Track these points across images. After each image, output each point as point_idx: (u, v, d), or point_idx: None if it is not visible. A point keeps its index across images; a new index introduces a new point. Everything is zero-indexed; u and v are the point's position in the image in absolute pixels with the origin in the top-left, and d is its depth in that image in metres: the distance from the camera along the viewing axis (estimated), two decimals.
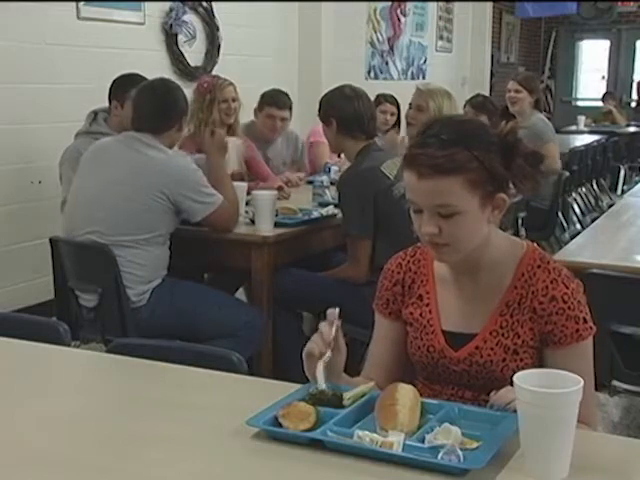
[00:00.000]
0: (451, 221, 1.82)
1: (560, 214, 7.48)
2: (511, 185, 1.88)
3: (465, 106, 6.21)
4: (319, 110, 3.88)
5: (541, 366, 1.87)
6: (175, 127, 3.62)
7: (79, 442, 1.67)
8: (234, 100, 4.82)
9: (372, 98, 6.33)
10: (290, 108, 5.33)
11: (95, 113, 4.34)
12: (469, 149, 1.80)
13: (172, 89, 3.71)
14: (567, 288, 1.88)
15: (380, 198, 3.57)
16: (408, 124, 4.66)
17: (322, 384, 1.77)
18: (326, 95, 3.93)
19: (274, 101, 5.25)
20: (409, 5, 9.97)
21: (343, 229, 3.76)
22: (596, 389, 1.95)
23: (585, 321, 1.87)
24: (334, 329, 1.82)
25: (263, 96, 5.33)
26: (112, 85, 4.35)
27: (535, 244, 2.00)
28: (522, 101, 6.37)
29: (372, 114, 3.85)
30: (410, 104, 4.60)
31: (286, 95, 5.37)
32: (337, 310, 1.84)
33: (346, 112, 3.74)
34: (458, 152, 1.79)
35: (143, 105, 3.63)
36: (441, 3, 11.00)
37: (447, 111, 4.27)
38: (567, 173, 6.81)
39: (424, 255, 2.05)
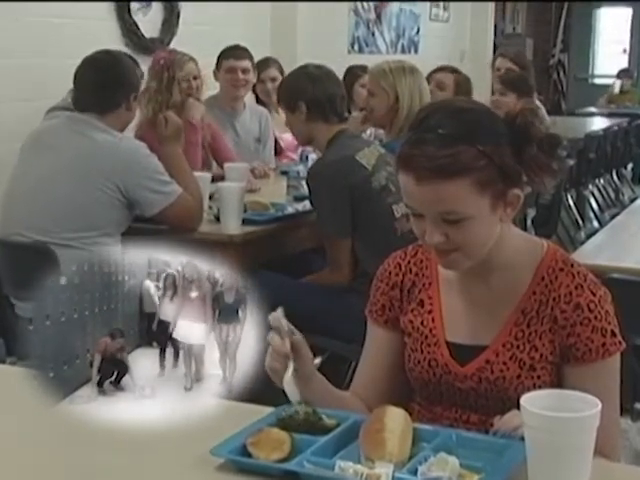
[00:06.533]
0: (459, 227, 1.80)
1: (575, 210, 7.49)
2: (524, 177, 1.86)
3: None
4: (281, 98, 3.94)
5: (560, 386, 1.85)
6: (123, 105, 3.60)
7: (24, 472, 1.65)
8: (195, 78, 4.84)
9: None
10: (251, 60, 5.48)
11: None
12: (475, 145, 1.77)
13: (117, 61, 3.70)
14: (594, 295, 1.87)
15: (357, 192, 3.57)
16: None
17: (296, 399, 1.78)
18: (287, 79, 4.00)
19: (231, 53, 5.44)
20: None
21: (318, 229, 3.77)
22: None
23: (613, 334, 1.86)
24: (285, 337, 1.82)
25: (219, 55, 5.50)
26: None
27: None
28: None
29: (343, 93, 3.90)
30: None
31: (245, 49, 5.51)
32: (280, 310, 1.84)
33: (316, 93, 3.76)
34: (463, 150, 1.76)
35: (84, 81, 3.62)
36: None
37: (410, 90, 4.28)
38: (571, 162, 6.80)
39: (426, 255, 2.03)
